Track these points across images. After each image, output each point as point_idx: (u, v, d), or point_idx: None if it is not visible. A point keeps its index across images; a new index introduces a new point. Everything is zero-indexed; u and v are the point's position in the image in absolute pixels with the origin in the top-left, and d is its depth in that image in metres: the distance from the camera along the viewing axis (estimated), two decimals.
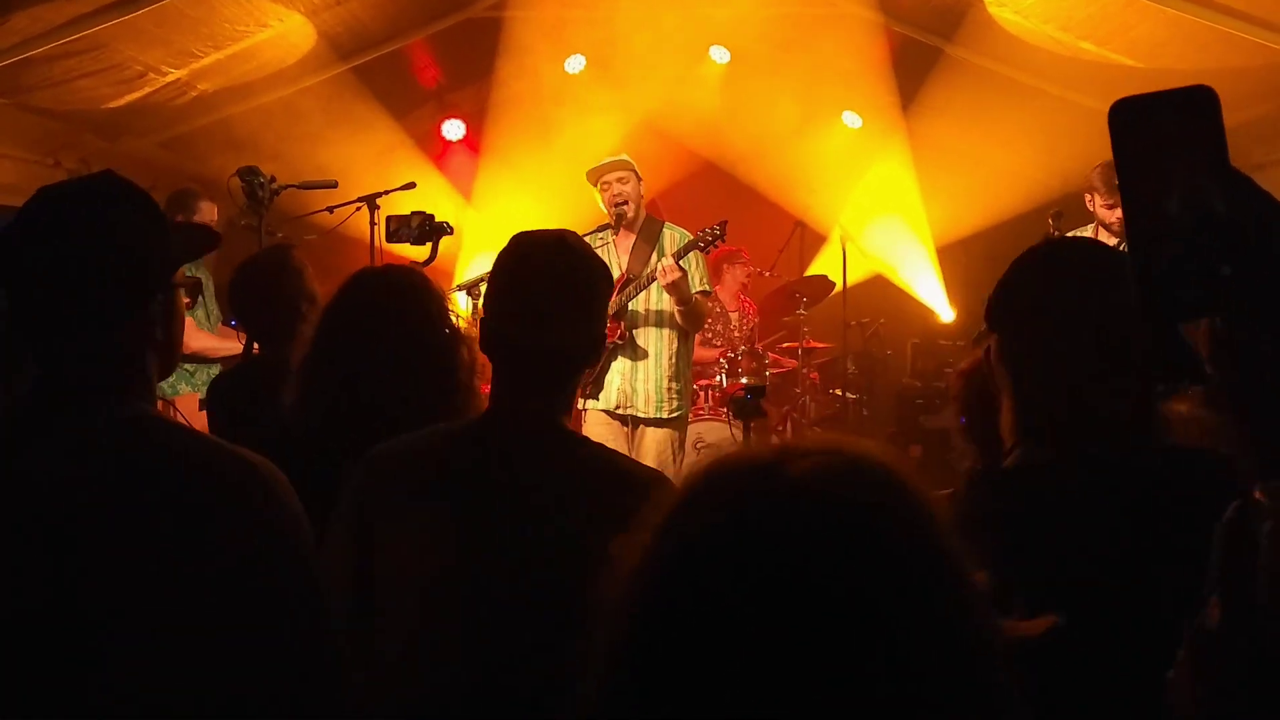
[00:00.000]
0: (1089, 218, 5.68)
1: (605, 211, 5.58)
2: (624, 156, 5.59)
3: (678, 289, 5.26)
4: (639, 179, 5.60)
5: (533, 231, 2.11)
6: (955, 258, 8.83)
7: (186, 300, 3.92)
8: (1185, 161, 1.03)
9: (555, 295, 1.99)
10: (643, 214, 5.65)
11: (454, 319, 2.60)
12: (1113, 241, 5.62)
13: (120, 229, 1.64)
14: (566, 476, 1.96)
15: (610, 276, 2.12)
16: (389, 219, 4.74)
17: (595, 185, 5.58)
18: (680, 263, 5.32)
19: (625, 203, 5.51)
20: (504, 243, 2.12)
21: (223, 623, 1.51)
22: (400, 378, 2.45)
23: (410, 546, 1.91)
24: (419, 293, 2.56)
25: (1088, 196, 5.68)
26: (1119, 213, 5.50)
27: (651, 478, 2.02)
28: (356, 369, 2.47)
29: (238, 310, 3.67)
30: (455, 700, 1.86)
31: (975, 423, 2.80)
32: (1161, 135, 1.04)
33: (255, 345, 3.61)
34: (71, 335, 1.61)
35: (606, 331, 2.13)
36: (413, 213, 4.66)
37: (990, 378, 1.74)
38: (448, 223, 4.63)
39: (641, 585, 0.89)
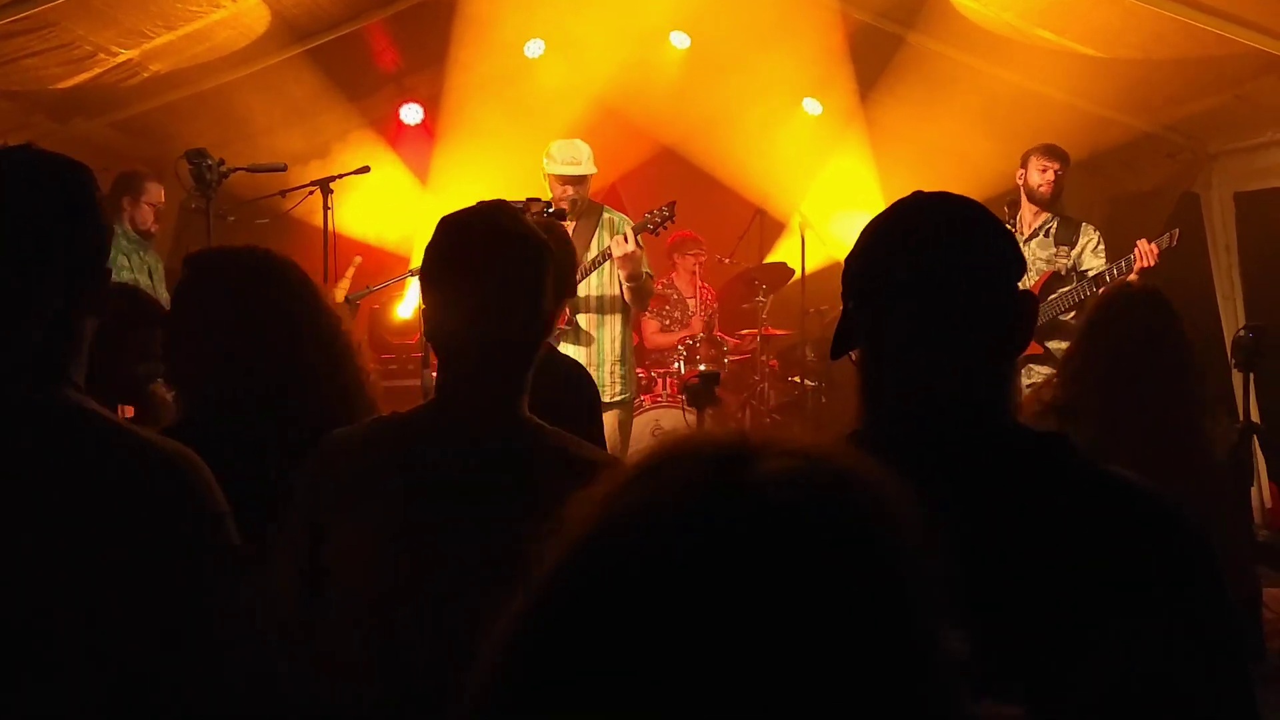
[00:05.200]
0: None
1: (546, 185, 5.56)
2: (589, 168, 5.56)
3: (631, 261, 5.24)
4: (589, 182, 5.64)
5: (464, 212, 2.02)
6: None
7: None
8: None
9: (499, 283, 1.92)
10: (583, 204, 5.64)
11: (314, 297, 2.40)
12: (1039, 219, 5.73)
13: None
14: (522, 466, 1.90)
15: (547, 245, 2.00)
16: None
17: (551, 175, 5.55)
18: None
19: (576, 202, 5.51)
20: None
21: (134, 617, 1.47)
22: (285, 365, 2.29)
23: (361, 539, 1.85)
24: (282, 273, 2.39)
25: (1020, 172, 5.79)
26: (1050, 175, 5.68)
27: (608, 462, 1.96)
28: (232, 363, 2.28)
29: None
30: (409, 694, 1.82)
31: None
32: None
33: None
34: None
35: (555, 307, 2.04)
36: (528, 199, 4.58)
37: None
38: (564, 209, 4.58)
39: (568, 567, 0.81)
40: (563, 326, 5.49)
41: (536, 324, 1.97)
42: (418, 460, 1.91)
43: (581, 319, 5.55)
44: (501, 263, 1.93)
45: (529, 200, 4.66)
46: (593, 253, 5.44)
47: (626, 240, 5.20)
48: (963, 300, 1.48)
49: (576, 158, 5.51)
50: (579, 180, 5.51)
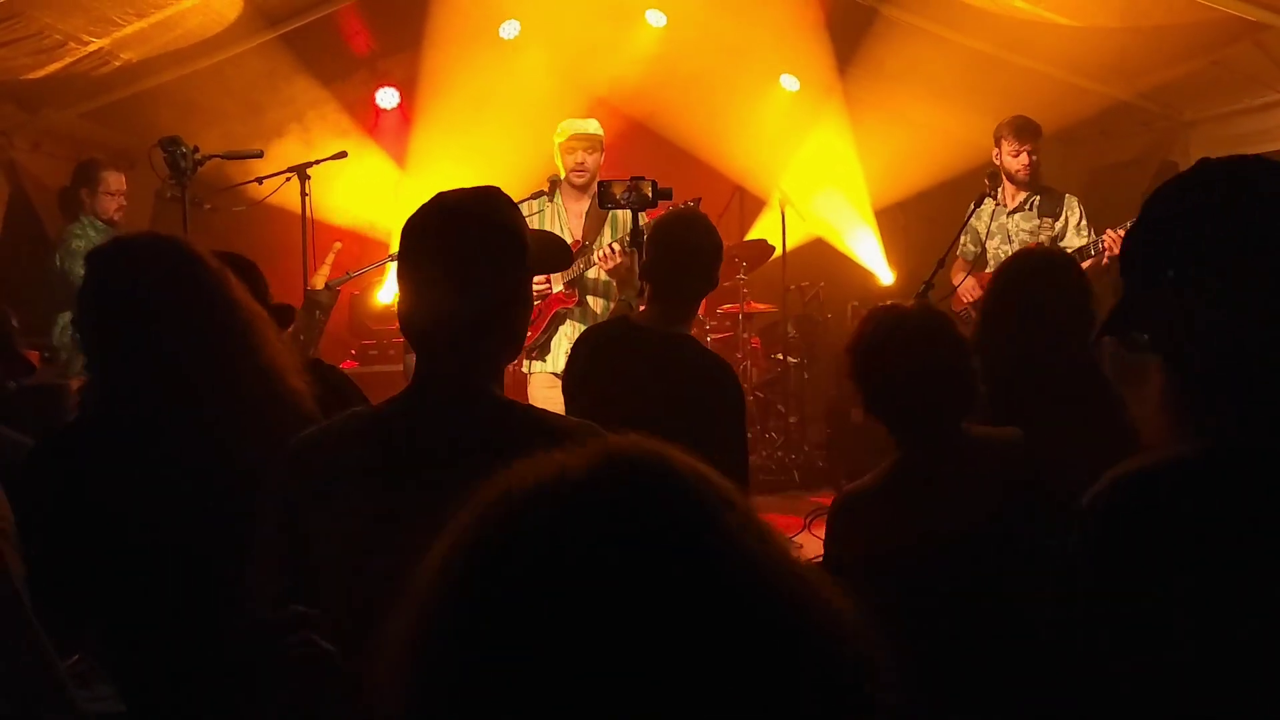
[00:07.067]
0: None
1: (559, 165, 5.61)
2: (598, 130, 5.65)
3: (618, 272, 5.31)
4: (602, 152, 5.72)
5: (436, 197, 1.99)
6: (894, 219, 8.84)
7: None
8: None
9: (460, 266, 1.89)
10: (595, 184, 5.67)
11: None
12: (1020, 195, 5.75)
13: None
14: (497, 445, 1.86)
15: (524, 231, 1.98)
16: (605, 184, 4.58)
17: (563, 143, 5.62)
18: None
19: (587, 174, 5.58)
20: None
21: None
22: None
23: (341, 535, 1.82)
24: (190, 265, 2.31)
25: (995, 152, 5.78)
26: (1024, 159, 5.67)
27: (583, 429, 1.93)
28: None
29: None
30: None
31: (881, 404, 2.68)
32: None
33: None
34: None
35: (527, 289, 2.00)
36: (632, 179, 4.47)
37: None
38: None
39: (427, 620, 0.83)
40: (570, 306, 5.57)
41: (504, 305, 1.95)
42: (393, 451, 1.87)
43: (591, 300, 5.63)
44: (462, 245, 1.90)
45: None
46: (607, 237, 5.52)
47: (609, 257, 5.29)
48: None
49: (585, 125, 5.61)
50: (592, 142, 5.58)
